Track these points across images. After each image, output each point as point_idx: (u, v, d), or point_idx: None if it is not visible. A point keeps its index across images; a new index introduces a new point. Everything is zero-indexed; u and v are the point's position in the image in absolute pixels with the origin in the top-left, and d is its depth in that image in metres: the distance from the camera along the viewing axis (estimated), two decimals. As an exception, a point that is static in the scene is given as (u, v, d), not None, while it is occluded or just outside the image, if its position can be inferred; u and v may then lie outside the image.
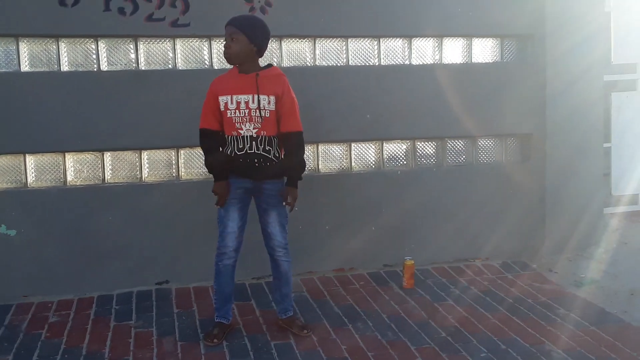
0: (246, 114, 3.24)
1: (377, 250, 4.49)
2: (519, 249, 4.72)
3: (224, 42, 3.26)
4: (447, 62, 4.60)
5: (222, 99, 3.27)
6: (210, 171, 3.40)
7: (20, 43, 3.88)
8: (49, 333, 3.49)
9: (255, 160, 3.28)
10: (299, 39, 4.30)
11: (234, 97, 3.24)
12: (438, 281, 4.29)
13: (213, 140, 3.36)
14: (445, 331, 3.50)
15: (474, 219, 4.63)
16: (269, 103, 3.26)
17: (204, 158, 3.42)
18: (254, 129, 3.25)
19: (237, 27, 3.21)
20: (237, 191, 3.36)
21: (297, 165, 3.42)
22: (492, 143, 4.77)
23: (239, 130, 3.26)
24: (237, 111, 3.24)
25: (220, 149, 3.36)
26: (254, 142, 3.27)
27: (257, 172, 3.32)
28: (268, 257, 3.49)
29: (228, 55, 3.25)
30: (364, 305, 3.86)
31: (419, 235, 4.54)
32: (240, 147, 3.27)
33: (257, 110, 3.23)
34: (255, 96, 3.23)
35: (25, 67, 3.91)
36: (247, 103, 3.23)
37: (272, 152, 3.32)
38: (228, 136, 3.30)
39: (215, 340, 3.37)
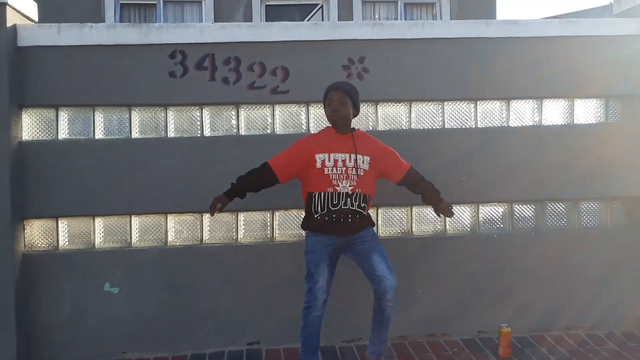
0: (343, 172, 3.41)
1: (471, 316, 4.34)
2: (627, 319, 4.41)
3: (331, 107, 3.45)
4: (547, 124, 4.47)
5: (319, 157, 3.45)
6: (233, 184, 3.55)
7: (132, 112, 4.13)
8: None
9: (349, 216, 3.42)
10: (395, 103, 4.33)
11: (332, 155, 3.44)
12: (537, 351, 4.08)
13: (264, 180, 3.53)
14: (548, 408, 3.32)
15: (577, 285, 4.39)
16: (363, 162, 3.47)
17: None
18: (349, 186, 3.41)
19: (346, 92, 3.50)
20: (327, 248, 3.46)
21: (430, 187, 3.71)
22: (596, 206, 4.54)
23: (336, 187, 3.41)
24: (334, 168, 3.41)
25: (309, 208, 3.47)
26: (349, 199, 3.41)
27: (348, 227, 3.45)
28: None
29: (338, 117, 3.47)
30: (459, 375, 3.74)
31: (517, 302, 4.35)
32: (335, 202, 3.41)
33: (354, 169, 3.40)
34: (353, 155, 3.44)
35: (135, 133, 4.15)
36: (344, 161, 3.43)
37: (366, 208, 3.49)
38: (322, 193, 3.40)
39: None
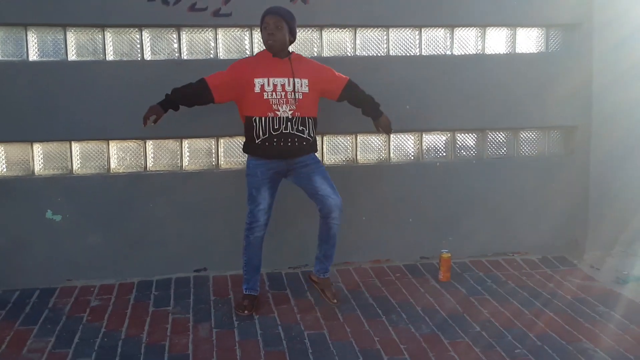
0: (283, 96, 3.45)
1: (414, 242, 4.47)
2: (560, 244, 4.63)
3: (267, 30, 3.42)
4: (489, 53, 4.51)
5: (259, 81, 3.45)
6: (167, 95, 3.52)
7: (67, 32, 3.97)
8: (90, 317, 3.61)
9: (289, 140, 3.46)
10: (340, 29, 4.28)
11: (271, 79, 3.45)
12: (475, 275, 4.25)
13: (199, 95, 3.49)
14: (479, 325, 3.48)
15: (514, 212, 4.56)
16: (302, 86, 3.50)
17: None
18: (289, 110, 3.45)
19: (282, 17, 3.46)
20: (268, 172, 3.55)
21: (370, 100, 3.75)
22: (534, 135, 4.67)
23: (276, 112, 3.44)
24: (274, 93, 3.43)
25: (249, 132, 3.50)
26: (289, 123, 3.46)
27: (290, 152, 3.50)
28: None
29: (273, 41, 3.44)
30: (398, 298, 3.87)
31: (457, 228, 4.50)
32: (276, 127, 3.44)
33: (293, 93, 3.44)
34: (291, 79, 3.45)
35: (72, 56, 4.01)
36: (283, 86, 3.45)
37: (305, 132, 3.52)
38: (263, 117, 3.43)
39: (246, 311, 3.60)
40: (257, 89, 3.45)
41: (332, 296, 3.76)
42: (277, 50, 3.48)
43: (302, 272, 4.27)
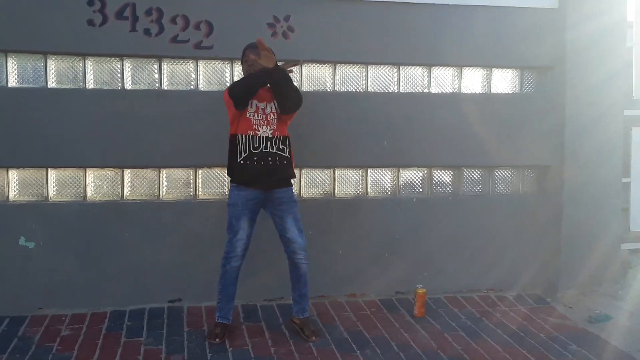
0: (263, 118, 3.62)
1: (390, 277, 4.48)
2: (534, 281, 4.67)
3: (248, 63, 3.59)
4: (466, 92, 4.61)
5: None
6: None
7: (48, 60, 3.99)
8: (61, 346, 3.54)
9: (270, 159, 3.59)
10: (320, 64, 4.36)
11: (254, 102, 3.63)
12: (450, 311, 4.27)
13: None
14: (453, 362, 3.48)
15: (489, 249, 4.60)
16: (276, 107, 3.67)
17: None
18: (270, 130, 3.61)
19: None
20: (248, 203, 3.64)
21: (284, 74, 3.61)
22: (509, 174, 4.75)
23: (257, 132, 3.59)
24: (256, 114, 3.61)
25: (233, 151, 3.63)
26: (269, 142, 3.61)
27: (269, 176, 3.60)
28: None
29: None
30: (373, 332, 3.86)
31: (433, 264, 4.53)
32: (256, 145, 3.58)
33: (272, 114, 3.64)
34: (269, 103, 3.65)
35: (52, 83, 4.01)
36: (263, 110, 3.64)
37: (285, 150, 3.67)
38: (244, 135, 3.59)
39: (217, 339, 3.64)
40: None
41: (311, 334, 3.74)
42: None
43: (277, 304, 4.24)
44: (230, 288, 3.72)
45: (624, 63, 4.66)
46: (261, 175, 3.59)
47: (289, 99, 3.59)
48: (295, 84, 4.26)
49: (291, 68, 3.63)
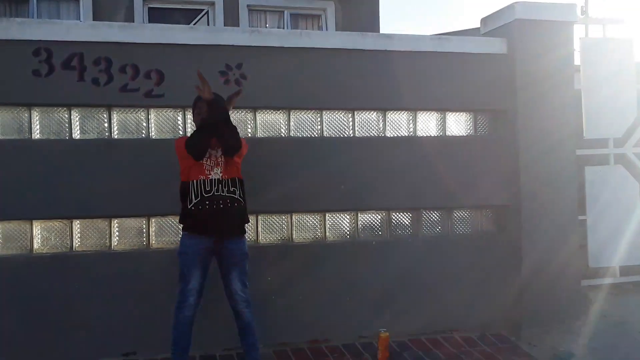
0: (214, 161, 3.63)
1: (352, 321, 4.40)
2: (498, 321, 4.64)
3: (200, 115, 3.58)
4: (421, 135, 4.64)
5: None
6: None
7: (-9, 111, 3.92)
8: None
9: (221, 202, 3.56)
10: (274, 111, 4.35)
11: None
12: (414, 354, 4.20)
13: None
14: (416, 409, 3.40)
15: (451, 290, 4.57)
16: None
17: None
18: (220, 172, 3.62)
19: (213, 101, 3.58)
20: (200, 250, 3.59)
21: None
22: (467, 214, 4.77)
23: (208, 175, 3.59)
24: (208, 160, 3.61)
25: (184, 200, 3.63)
26: (220, 184, 3.60)
27: (222, 221, 3.57)
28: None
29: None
30: (335, 380, 3.77)
31: (395, 306, 4.46)
32: (207, 189, 3.57)
33: (221, 157, 3.63)
34: (219, 148, 3.64)
35: (-5, 134, 3.94)
36: (215, 155, 3.64)
37: (237, 192, 3.65)
38: (195, 180, 3.57)
39: None
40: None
41: None
42: None
43: (237, 353, 4.11)
44: (184, 339, 3.61)
45: (572, 105, 4.76)
46: (214, 220, 3.55)
47: (228, 140, 3.59)
48: (248, 130, 4.27)
49: (233, 98, 3.69)
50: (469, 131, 4.77)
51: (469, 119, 4.77)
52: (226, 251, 3.63)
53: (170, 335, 3.67)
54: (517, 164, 4.62)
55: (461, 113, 4.74)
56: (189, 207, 3.56)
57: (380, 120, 4.57)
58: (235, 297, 3.66)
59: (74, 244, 4.05)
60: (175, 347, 3.62)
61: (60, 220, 4.01)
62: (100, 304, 4.00)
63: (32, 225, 3.98)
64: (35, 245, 4.00)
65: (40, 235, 4.01)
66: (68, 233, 4.04)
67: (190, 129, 4.17)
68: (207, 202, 3.54)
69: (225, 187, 3.60)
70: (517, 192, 4.63)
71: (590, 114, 5.07)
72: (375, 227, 4.58)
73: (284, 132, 4.39)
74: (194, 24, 7.60)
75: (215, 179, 3.58)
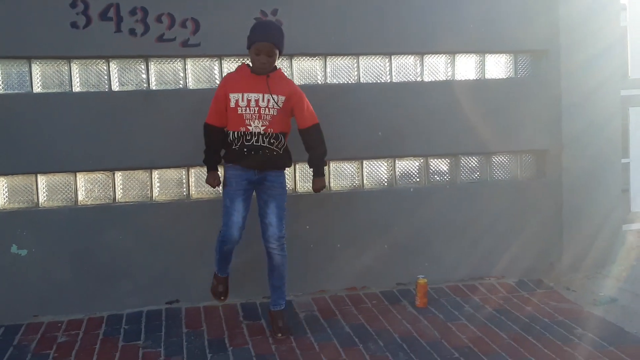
0: (256, 112, 3.47)
1: (390, 269, 4.43)
2: (536, 266, 4.62)
3: (259, 58, 3.43)
4: (460, 79, 4.55)
5: (234, 96, 3.48)
6: (204, 162, 3.70)
7: (32, 65, 3.93)
8: (57, 353, 3.48)
9: (260, 151, 3.51)
10: (310, 57, 4.30)
11: (245, 95, 3.47)
12: (452, 300, 4.22)
13: (214, 135, 3.63)
14: (458, 351, 3.42)
15: (489, 236, 4.54)
16: (277, 102, 3.49)
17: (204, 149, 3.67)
18: (262, 126, 3.49)
19: (274, 44, 3.46)
20: (242, 182, 3.56)
21: (322, 156, 3.71)
22: (506, 159, 4.70)
23: (248, 127, 3.49)
24: (247, 108, 3.47)
25: (227, 141, 3.59)
26: (261, 137, 3.50)
27: (262, 162, 3.54)
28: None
29: (263, 69, 3.48)
30: (375, 325, 3.80)
31: (433, 253, 4.48)
32: (248, 139, 3.50)
33: (267, 109, 3.47)
34: (267, 95, 3.47)
35: (37, 88, 3.96)
36: (257, 101, 3.47)
37: (276, 144, 3.55)
38: (236, 131, 3.51)
39: (222, 298, 3.86)
40: (232, 104, 3.49)
41: (277, 330, 3.65)
42: (265, 73, 3.50)
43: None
44: (228, 258, 3.72)
45: (618, 43, 4.60)
46: (255, 157, 3.52)
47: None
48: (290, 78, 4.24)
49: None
50: (509, 73, 4.66)
51: (509, 61, 4.65)
52: (266, 183, 3.59)
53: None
54: (559, 107, 4.51)
55: (501, 55, 4.62)
56: (232, 147, 3.53)
57: (418, 65, 4.49)
58: (269, 232, 3.59)
59: (116, 195, 4.11)
60: (220, 263, 3.74)
61: (102, 172, 4.06)
62: (144, 254, 4.07)
63: (76, 177, 4.04)
64: (80, 197, 4.07)
65: (84, 187, 4.07)
66: (111, 185, 4.10)
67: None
68: (245, 150, 3.51)
69: (266, 139, 3.51)
70: (559, 136, 4.54)
71: (636, 52, 4.91)
72: (413, 174, 4.56)
73: (320, 79, 4.34)
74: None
75: (255, 132, 3.50)
